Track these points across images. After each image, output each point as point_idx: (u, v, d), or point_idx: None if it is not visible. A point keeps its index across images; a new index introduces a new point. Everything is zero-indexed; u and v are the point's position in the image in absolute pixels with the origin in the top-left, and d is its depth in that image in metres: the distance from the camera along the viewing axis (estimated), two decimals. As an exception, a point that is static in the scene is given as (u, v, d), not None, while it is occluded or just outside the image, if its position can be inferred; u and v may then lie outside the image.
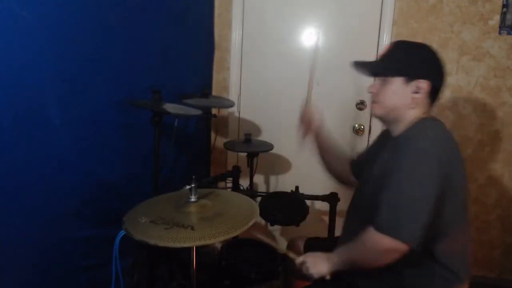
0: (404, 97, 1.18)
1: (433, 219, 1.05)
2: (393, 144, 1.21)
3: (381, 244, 1.05)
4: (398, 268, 1.12)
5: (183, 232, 1.03)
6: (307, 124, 1.56)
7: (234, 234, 1.05)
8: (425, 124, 1.16)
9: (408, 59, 1.19)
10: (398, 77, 1.18)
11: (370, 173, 1.27)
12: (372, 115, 1.31)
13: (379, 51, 2.32)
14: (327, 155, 1.57)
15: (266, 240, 1.41)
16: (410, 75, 1.17)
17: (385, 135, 1.39)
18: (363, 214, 1.28)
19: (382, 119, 1.27)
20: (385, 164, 1.18)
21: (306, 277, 1.22)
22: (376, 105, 1.26)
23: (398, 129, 1.23)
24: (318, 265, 1.19)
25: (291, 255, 1.30)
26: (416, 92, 1.16)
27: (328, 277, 1.18)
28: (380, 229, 1.05)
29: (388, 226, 1.04)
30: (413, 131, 1.16)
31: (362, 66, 1.27)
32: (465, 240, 1.20)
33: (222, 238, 1.02)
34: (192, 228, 1.04)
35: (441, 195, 1.06)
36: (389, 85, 1.20)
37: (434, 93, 1.19)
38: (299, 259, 1.24)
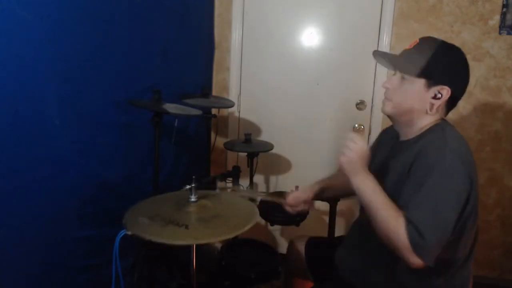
0: (422, 100, 1.10)
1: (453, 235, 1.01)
2: (406, 149, 1.14)
3: (404, 255, 0.98)
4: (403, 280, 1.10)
5: (177, 230, 1.04)
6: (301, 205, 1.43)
7: (228, 236, 1.05)
8: (444, 132, 1.09)
9: (435, 61, 1.09)
10: (420, 78, 1.09)
11: (380, 179, 1.18)
12: (382, 111, 1.22)
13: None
14: (331, 193, 1.53)
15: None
16: (434, 79, 1.08)
17: (389, 136, 1.31)
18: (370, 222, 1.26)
19: (393, 118, 1.19)
20: (399, 169, 1.11)
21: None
22: (389, 103, 1.16)
23: (408, 133, 1.16)
24: (352, 160, 1.07)
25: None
26: (436, 98, 1.09)
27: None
28: (414, 247, 0.96)
29: (421, 250, 0.95)
30: (433, 139, 1.08)
31: (384, 57, 1.18)
32: (470, 244, 1.15)
33: (215, 239, 1.02)
34: (187, 227, 1.05)
35: (463, 210, 1.02)
36: (409, 84, 1.11)
37: (452, 101, 1.13)
38: (354, 143, 1.08)
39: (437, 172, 0.99)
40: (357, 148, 1.07)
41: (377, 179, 1.10)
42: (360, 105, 2.41)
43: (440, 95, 1.09)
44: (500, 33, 2.16)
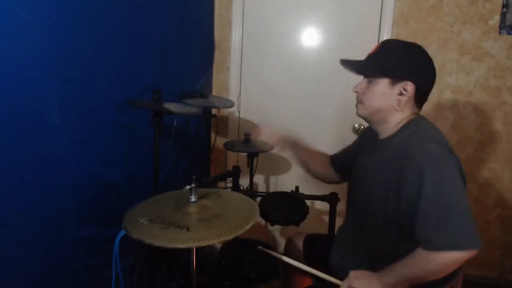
0: (389, 98, 1.16)
1: None
2: (385, 147, 1.18)
3: (450, 259, 1.01)
4: None
5: (178, 233, 1.02)
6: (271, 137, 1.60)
7: (229, 237, 1.03)
8: (418, 125, 1.14)
9: (394, 60, 1.16)
10: (383, 78, 1.16)
11: (364, 175, 1.25)
12: (356, 115, 1.29)
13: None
14: (303, 158, 1.59)
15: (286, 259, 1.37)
16: (396, 77, 1.14)
17: (369, 134, 1.34)
18: (362, 216, 1.27)
19: (368, 119, 1.26)
20: (385, 169, 1.14)
21: None
22: (361, 106, 1.24)
23: (385, 131, 1.21)
24: (369, 286, 1.09)
25: (327, 277, 1.21)
26: (402, 94, 1.14)
27: None
28: (443, 248, 1.00)
29: (451, 242, 1.00)
30: (408, 135, 1.13)
31: (348, 64, 1.24)
32: None
33: (216, 241, 1.01)
34: (188, 229, 1.04)
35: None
36: (375, 86, 1.18)
37: (421, 95, 1.17)
38: (344, 284, 1.14)
39: (430, 166, 1.03)
40: (356, 282, 1.10)
41: (367, 182, 1.17)
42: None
43: (405, 91, 1.14)
44: (500, 33, 2.16)
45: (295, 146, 1.60)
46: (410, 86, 1.13)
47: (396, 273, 1.08)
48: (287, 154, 1.63)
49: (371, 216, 1.20)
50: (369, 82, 1.20)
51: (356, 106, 1.27)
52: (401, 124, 1.17)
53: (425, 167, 1.02)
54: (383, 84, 1.16)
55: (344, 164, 1.47)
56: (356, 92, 1.25)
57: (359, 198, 1.28)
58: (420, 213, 1.03)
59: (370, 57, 1.21)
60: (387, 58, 1.17)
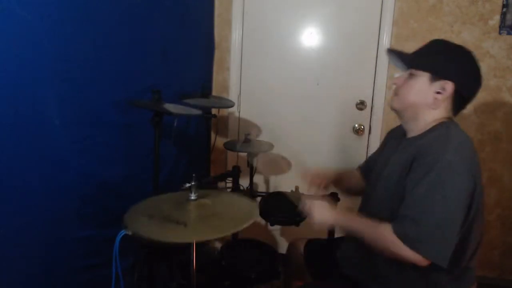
0: (426, 95, 1.13)
1: (461, 235, 1.03)
2: (409, 145, 1.16)
3: (398, 250, 1.02)
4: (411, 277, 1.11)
5: (175, 228, 1.04)
6: (314, 182, 1.53)
7: (226, 234, 1.04)
8: (449, 130, 1.11)
9: (439, 58, 1.15)
10: (424, 72, 1.13)
11: (381, 174, 1.24)
12: (390, 108, 1.28)
13: (379, 51, 2.32)
14: (342, 186, 1.56)
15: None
16: (437, 73, 1.12)
17: (394, 136, 1.34)
18: (373, 215, 1.27)
19: (400, 114, 1.23)
20: (400, 166, 1.13)
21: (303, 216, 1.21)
22: (396, 98, 1.22)
23: (414, 129, 1.19)
24: (323, 215, 1.19)
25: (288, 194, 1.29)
26: (439, 93, 1.12)
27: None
28: (403, 239, 1.01)
29: (416, 244, 1.00)
30: (435, 137, 1.10)
31: (394, 54, 1.23)
32: (475, 244, 1.16)
33: (213, 237, 1.01)
34: (185, 225, 1.05)
35: (469, 209, 1.03)
36: (414, 79, 1.15)
37: (460, 99, 1.14)
38: (305, 202, 1.22)
39: (436, 169, 1.01)
40: (313, 207, 1.20)
41: (390, 181, 1.15)
42: (360, 105, 2.41)
43: (443, 90, 1.11)
44: (500, 33, 2.16)
45: (336, 181, 1.56)
46: (449, 86, 1.11)
47: (352, 223, 1.16)
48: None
49: (381, 213, 1.17)
50: (410, 76, 1.17)
51: (391, 99, 1.25)
52: (432, 125, 1.15)
53: (432, 169, 1.01)
54: (423, 78, 1.14)
55: (371, 168, 1.43)
56: (395, 84, 1.23)
57: (374, 195, 1.26)
58: (406, 202, 1.04)
59: (417, 51, 1.20)
60: (433, 54, 1.17)
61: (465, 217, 1.03)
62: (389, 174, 1.18)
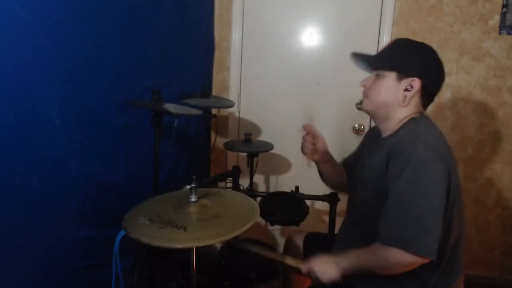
0: (395, 93, 1.17)
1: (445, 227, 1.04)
2: (383, 145, 1.19)
3: (395, 258, 1.03)
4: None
5: (175, 233, 1.02)
6: (311, 146, 1.47)
7: (226, 238, 1.03)
8: (417, 125, 1.14)
9: (404, 56, 1.18)
10: (391, 72, 1.17)
11: (361, 175, 1.26)
12: (361, 110, 1.30)
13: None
14: (328, 171, 1.54)
15: (264, 252, 1.37)
16: (403, 72, 1.16)
17: (373, 135, 1.37)
18: (356, 216, 1.28)
19: (372, 115, 1.27)
20: (377, 166, 1.15)
21: (316, 281, 1.19)
22: (366, 100, 1.25)
23: (388, 128, 1.22)
24: (328, 271, 1.16)
25: (290, 262, 1.27)
26: (407, 90, 1.15)
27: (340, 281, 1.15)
28: (391, 243, 1.02)
29: (400, 240, 1.01)
30: (405, 133, 1.13)
31: (359, 57, 1.26)
32: (456, 233, 1.16)
33: (213, 241, 1.00)
34: (185, 229, 1.04)
35: (448, 197, 1.04)
36: (382, 80, 1.19)
37: (427, 94, 1.18)
38: (304, 267, 1.21)
39: (410, 164, 1.03)
40: (314, 264, 1.18)
41: (370, 182, 1.16)
42: (360, 105, 2.41)
43: (411, 87, 1.15)
44: (500, 33, 2.16)
45: (328, 165, 1.52)
46: (416, 82, 1.14)
47: (351, 260, 1.14)
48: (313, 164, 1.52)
49: (365, 213, 1.21)
50: (377, 77, 1.21)
51: (362, 101, 1.28)
52: (403, 121, 1.18)
53: (406, 165, 1.03)
54: (390, 78, 1.17)
55: (353, 166, 1.45)
56: (363, 86, 1.25)
57: (356, 196, 1.29)
58: (386, 206, 1.05)
59: (381, 52, 1.24)
60: (397, 53, 1.20)
61: (445, 207, 1.04)
62: (368, 175, 1.21)
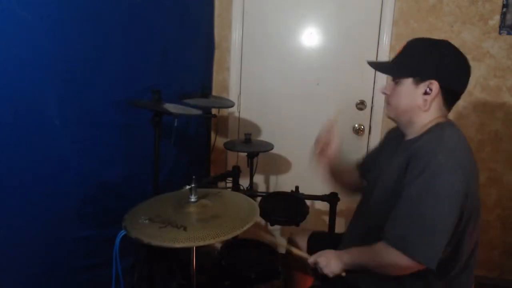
0: (414, 98, 1.13)
1: (453, 237, 1.03)
2: (405, 149, 1.16)
3: (393, 258, 1.03)
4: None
5: (175, 232, 1.03)
6: (324, 147, 1.44)
7: (226, 238, 1.03)
8: (443, 131, 1.10)
9: (418, 59, 1.15)
10: (408, 78, 1.14)
11: (379, 176, 1.24)
12: (387, 116, 1.29)
13: (379, 51, 2.32)
14: (338, 174, 1.52)
15: (268, 239, 1.40)
16: (420, 75, 1.12)
17: (394, 136, 1.34)
18: (369, 217, 1.26)
19: (396, 120, 1.24)
20: (396, 169, 1.13)
21: (319, 274, 1.23)
22: (389, 107, 1.23)
23: (412, 132, 1.18)
24: (332, 265, 1.18)
25: (295, 251, 1.31)
26: (427, 94, 1.11)
27: (343, 274, 1.18)
28: (395, 245, 1.02)
29: (402, 242, 1.01)
30: (429, 139, 1.10)
31: (375, 66, 1.25)
32: (472, 245, 1.15)
33: (213, 241, 1.00)
34: (185, 229, 1.04)
35: (462, 211, 1.02)
36: (400, 86, 1.16)
37: (449, 95, 1.14)
38: (310, 259, 1.25)
39: (428, 170, 1.01)
40: (318, 257, 1.23)
41: (388, 185, 1.15)
42: (360, 105, 2.41)
43: (430, 90, 1.11)
44: (500, 33, 2.16)
45: (338, 169, 1.51)
46: (434, 85, 1.10)
47: (353, 255, 1.17)
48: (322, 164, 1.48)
49: (379, 213, 1.18)
50: (396, 83, 1.18)
51: (385, 107, 1.28)
52: (428, 126, 1.14)
53: (423, 172, 1.01)
54: (407, 84, 1.14)
55: (369, 166, 1.42)
56: (385, 93, 1.24)
57: (371, 196, 1.26)
58: (396, 207, 1.05)
59: (396, 58, 1.20)
60: (410, 57, 1.16)
61: (459, 219, 1.03)
62: (386, 177, 1.18)
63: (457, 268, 1.12)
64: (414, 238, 1.00)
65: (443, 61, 1.13)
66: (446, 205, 1.00)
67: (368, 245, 1.14)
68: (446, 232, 1.00)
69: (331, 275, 1.18)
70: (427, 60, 1.14)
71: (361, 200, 1.38)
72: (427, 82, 1.11)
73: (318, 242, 1.55)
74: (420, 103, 1.13)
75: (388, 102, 1.23)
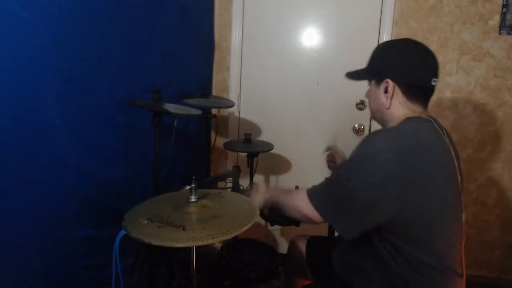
0: (379, 98, 1.19)
1: (393, 218, 1.02)
2: None
3: (296, 200, 1.15)
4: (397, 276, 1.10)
5: (174, 232, 1.03)
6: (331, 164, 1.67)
7: (225, 238, 1.03)
8: (402, 124, 1.11)
9: (378, 61, 1.22)
10: (371, 79, 1.23)
11: None
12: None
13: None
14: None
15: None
16: (377, 76, 1.19)
17: None
18: None
19: (376, 121, 1.30)
20: None
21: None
22: (369, 110, 1.31)
23: None
24: (256, 196, 1.34)
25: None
26: (386, 92, 1.16)
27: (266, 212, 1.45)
28: (311, 198, 1.11)
29: (310, 189, 1.13)
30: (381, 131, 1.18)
31: (349, 75, 1.33)
32: (454, 239, 1.13)
33: (211, 241, 1.00)
34: (184, 229, 1.04)
35: (400, 196, 1.00)
36: (370, 88, 1.25)
37: (409, 88, 1.14)
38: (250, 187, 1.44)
39: (363, 147, 1.07)
40: (251, 189, 1.39)
41: None
42: (360, 105, 2.41)
43: (386, 89, 1.16)
44: (500, 33, 2.16)
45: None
46: (388, 83, 1.15)
47: (275, 193, 1.32)
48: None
49: None
50: (368, 87, 1.26)
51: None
52: (396, 122, 1.16)
53: (358, 148, 1.08)
54: (372, 85, 1.22)
55: None
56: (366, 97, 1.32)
57: None
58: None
59: (368, 62, 1.27)
60: (372, 60, 1.24)
61: (395, 211, 1.01)
62: None
63: (441, 260, 1.09)
64: (320, 193, 1.11)
65: (396, 59, 1.17)
66: (366, 183, 1.00)
67: (359, 245, 1.16)
68: (354, 204, 1.04)
69: (258, 206, 1.29)
70: (384, 61, 1.20)
71: None
72: (384, 82, 1.16)
73: (316, 246, 1.56)
74: (383, 102, 1.18)
75: (367, 105, 1.33)
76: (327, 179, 1.13)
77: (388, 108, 1.18)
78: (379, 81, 1.18)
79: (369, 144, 1.07)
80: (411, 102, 1.16)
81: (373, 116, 1.29)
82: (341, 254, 1.30)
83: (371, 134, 1.15)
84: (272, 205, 1.30)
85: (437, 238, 1.09)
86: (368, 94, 1.27)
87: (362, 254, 1.18)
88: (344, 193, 1.05)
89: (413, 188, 1.01)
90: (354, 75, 1.30)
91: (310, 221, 1.13)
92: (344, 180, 1.05)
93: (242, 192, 1.56)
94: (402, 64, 1.16)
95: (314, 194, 1.12)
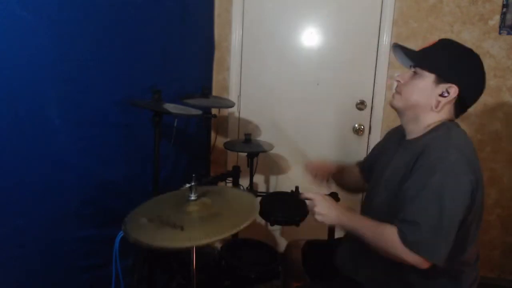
0: (429, 96, 1.11)
1: (459, 235, 1.02)
2: (408, 148, 1.15)
3: (403, 257, 1.02)
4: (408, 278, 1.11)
5: (172, 233, 1.02)
6: (317, 173, 1.59)
7: (224, 236, 1.03)
8: (450, 130, 1.10)
9: (447, 59, 1.13)
10: (431, 73, 1.11)
11: (382, 177, 1.23)
12: (390, 105, 1.25)
13: (379, 51, 2.32)
14: (341, 179, 1.59)
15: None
16: (443, 76, 1.10)
17: (394, 136, 1.33)
18: (373, 217, 1.26)
19: (401, 113, 1.20)
20: (401, 169, 1.12)
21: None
22: (398, 96, 1.18)
23: (414, 131, 1.17)
24: (328, 216, 1.17)
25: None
26: (443, 96, 1.10)
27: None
28: (407, 244, 1.00)
29: (415, 242, 1.00)
30: (436, 137, 1.10)
31: (401, 50, 1.19)
32: (475, 249, 1.16)
33: (209, 240, 1.00)
34: (182, 229, 1.03)
35: (469, 210, 1.03)
36: (419, 79, 1.13)
37: (462, 103, 1.13)
38: (314, 194, 1.23)
39: (439, 170, 1.00)
40: (320, 200, 1.20)
41: (393, 184, 1.13)
42: (360, 105, 2.41)
43: (447, 93, 1.10)
44: (500, 33, 2.16)
45: (336, 174, 1.59)
46: (454, 90, 1.09)
47: (355, 224, 1.14)
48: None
49: (381, 213, 1.17)
50: (414, 74, 1.15)
51: (393, 96, 1.21)
52: (432, 126, 1.13)
53: (436, 171, 1.00)
54: (428, 79, 1.11)
55: (371, 167, 1.42)
56: (398, 81, 1.20)
57: (375, 196, 1.25)
58: (413, 199, 1.02)
59: (424, 49, 1.17)
60: (440, 55, 1.14)
61: (465, 216, 1.02)
62: (390, 176, 1.17)
63: (461, 264, 1.12)
64: (427, 240, 0.99)
65: (470, 71, 1.12)
66: (458, 206, 1.00)
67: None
68: (454, 231, 1.00)
69: (317, 218, 1.19)
70: (455, 63, 1.12)
71: (364, 201, 1.38)
72: (447, 85, 1.09)
73: (312, 250, 1.55)
74: (433, 102, 1.11)
75: (398, 91, 1.18)
76: (414, 216, 1.01)
77: (436, 111, 1.12)
78: (440, 81, 1.10)
79: (443, 160, 1.01)
80: (454, 114, 1.16)
81: (403, 107, 1.18)
82: (351, 258, 1.29)
83: (434, 148, 1.06)
84: (352, 234, 1.16)
85: (471, 245, 1.11)
86: (407, 81, 1.16)
87: (380, 262, 1.15)
88: (445, 223, 0.99)
89: (478, 195, 1.05)
90: (405, 53, 1.18)
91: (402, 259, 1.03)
92: (443, 210, 0.99)
93: (297, 196, 1.37)
94: (472, 80, 1.12)
95: (417, 240, 1.00)
